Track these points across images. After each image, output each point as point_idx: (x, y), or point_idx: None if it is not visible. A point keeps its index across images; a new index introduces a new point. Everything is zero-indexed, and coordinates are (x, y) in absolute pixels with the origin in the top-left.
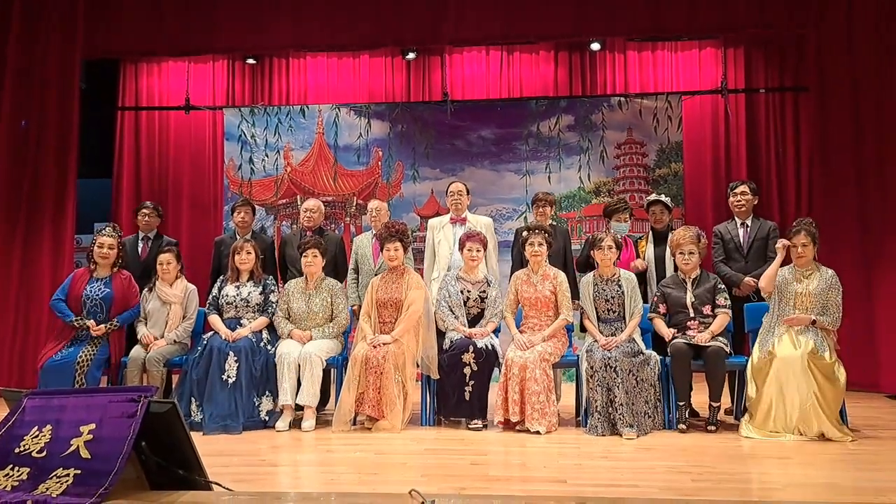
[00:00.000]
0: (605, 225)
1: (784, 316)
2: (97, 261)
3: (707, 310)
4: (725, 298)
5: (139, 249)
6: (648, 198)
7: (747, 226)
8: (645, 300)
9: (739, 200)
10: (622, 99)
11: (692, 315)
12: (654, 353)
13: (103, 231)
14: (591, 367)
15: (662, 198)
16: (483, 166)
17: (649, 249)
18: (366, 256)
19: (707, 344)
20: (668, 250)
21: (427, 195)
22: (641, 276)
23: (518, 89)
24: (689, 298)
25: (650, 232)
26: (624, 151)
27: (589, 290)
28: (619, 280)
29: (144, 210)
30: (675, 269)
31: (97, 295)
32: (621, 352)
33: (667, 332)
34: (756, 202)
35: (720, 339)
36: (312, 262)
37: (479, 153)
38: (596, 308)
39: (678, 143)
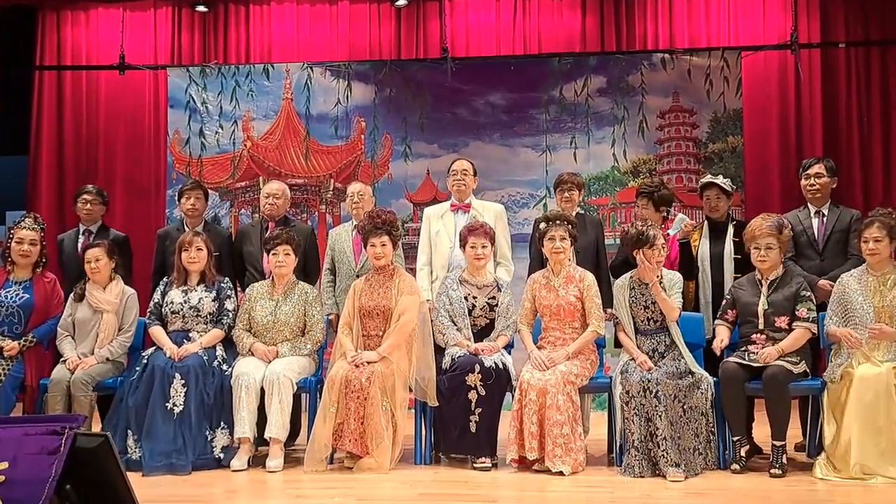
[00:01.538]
0: (636, 211)
1: (861, 335)
2: (15, 259)
3: (782, 322)
4: (810, 309)
5: (79, 246)
6: (702, 179)
7: (823, 215)
8: (696, 308)
9: (814, 184)
10: (666, 56)
11: (761, 327)
12: (706, 375)
13: (22, 223)
14: (627, 392)
15: (719, 180)
16: (492, 140)
17: (703, 245)
18: (344, 253)
19: (766, 365)
20: (727, 247)
21: (421, 177)
22: (691, 276)
23: (536, 43)
24: (762, 305)
25: (705, 222)
26: (669, 122)
27: (624, 296)
28: (661, 283)
29: (85, 196)
30: (736, 269)
31: (14, 302)
32: (664, 372)
33: (719, 345)
34: (835, 185)
35: (789, 358)
36: (284, 261)
37: (486, 124)
38: (633, 317)
39: (737, 112)
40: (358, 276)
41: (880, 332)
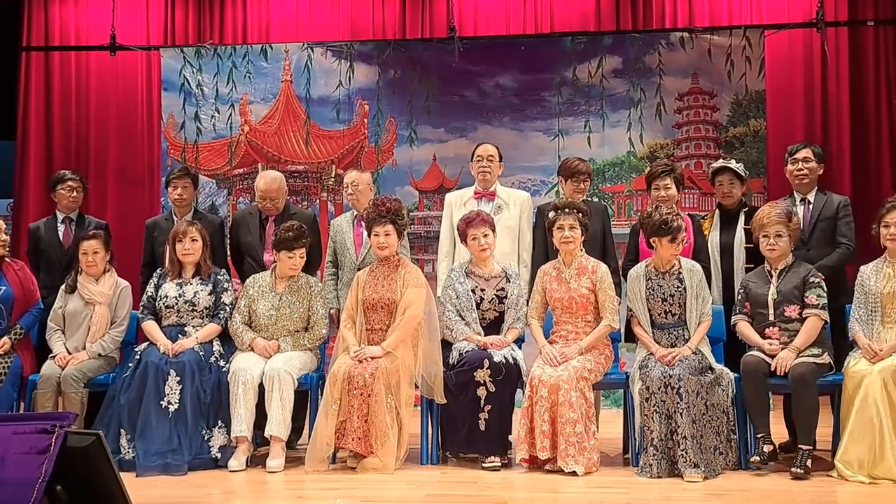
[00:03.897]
0: (649, 198)
1: (872, 321)
2: None
3: (792, 311)
4: (819, 296)
5: (59, 234)
6: (714, 165)
7: (809, 202)
8: None
9: (801, 168)
10: (685, 35)
11: (771, 318)
12: (726, 371)
13: None
14: (647, 388)
15: (732, 164)
16: (502, 124)
17: (714, 234)
18: (345, 245)
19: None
20: (738, 235)
21: (427, 163)
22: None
23: (548, 22)
24: (772, 295)
25: (716, 211)
26: (687, 104)
27: (640, 287)
28: (679, 273)
29: (70, 182)
30: (747, 260)
31: None
32: (686, 368)
33: (758, 339)
34: (822, 171)
35: (811, 351)
36: (299, 263)
37: (496, 107)
38: (650, 310)
39: (759, 93)
40: (360, 269)
41: (883, 354)
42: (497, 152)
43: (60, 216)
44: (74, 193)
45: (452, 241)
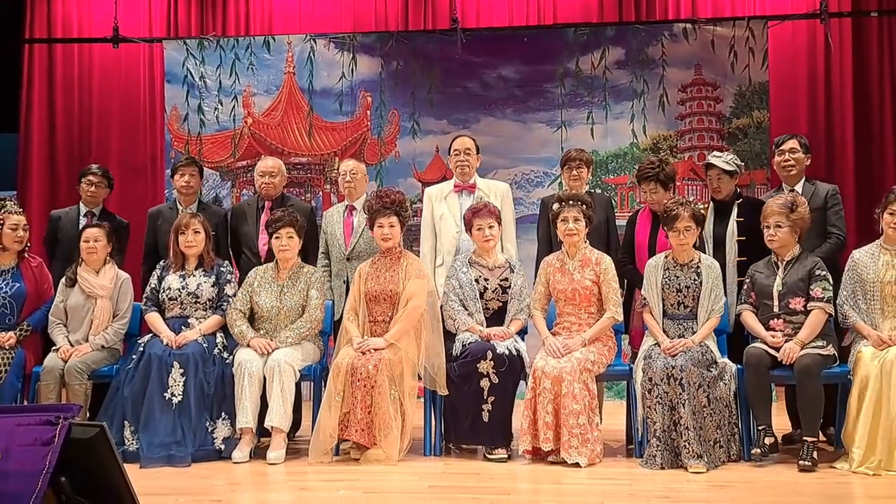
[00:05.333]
0: (644, 197)
1: (871, 311)
2: (8, 246)
3: (797, 303)
4: (825, 289)
5: (79, 227)
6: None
7: (797, 193)
8: None
9: (788, 159)
10: (688, 26)
11: (776, 310)
12: (729, 363)
13: (10, 207)
14: (650, 379)
15: (719, 160)
16: (505, 116)
17: (707, 227)
18: (335, 236)
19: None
20: (730, 228)
21: (430, 154)
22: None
23: (550, 13)
24: (777, 287)
25: (710, 203)
26: (691, 96)
27: (656, 277)
28: (697, 267)
29: (90, 177)
30: (739, 253)
31: (5, 292)
32: (690, 360)
33: (762, 331)
34: (809, 162)
35: (816, 343)
36: (287, 244)
37: (498, 99)
38: (663, 300)
39: (762, 85)
40: (348, 260)
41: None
42: (474, 145)
43: (84, 209)
44: (93, 188)
45: (434, 236)
